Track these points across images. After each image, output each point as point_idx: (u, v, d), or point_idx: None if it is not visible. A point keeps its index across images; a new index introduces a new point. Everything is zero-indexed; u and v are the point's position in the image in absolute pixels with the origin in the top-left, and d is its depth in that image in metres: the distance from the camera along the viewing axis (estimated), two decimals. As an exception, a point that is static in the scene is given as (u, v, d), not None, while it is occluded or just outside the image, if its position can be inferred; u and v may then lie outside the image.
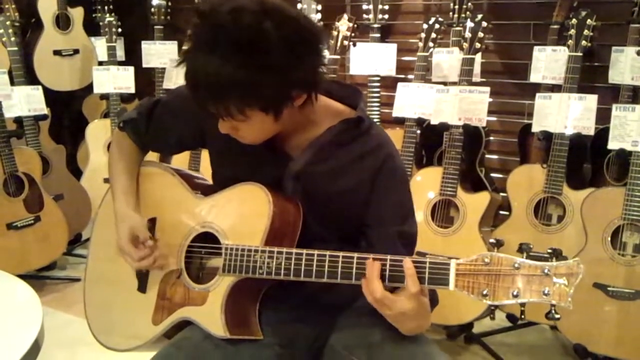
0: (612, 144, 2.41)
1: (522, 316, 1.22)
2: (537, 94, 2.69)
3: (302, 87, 1.29)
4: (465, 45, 2.70)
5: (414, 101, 2.93)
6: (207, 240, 1.45)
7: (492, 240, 1.22)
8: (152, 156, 1.72)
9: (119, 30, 3.90)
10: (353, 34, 3.03)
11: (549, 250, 1.17)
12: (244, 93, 1.22)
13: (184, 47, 1.27)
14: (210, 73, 1.20)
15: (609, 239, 2.37)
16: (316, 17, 3.26)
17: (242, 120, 1.28)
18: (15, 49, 3.46)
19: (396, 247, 1.40)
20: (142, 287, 1.53)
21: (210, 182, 1.60)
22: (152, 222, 1.54)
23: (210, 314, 1.39)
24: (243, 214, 1.42)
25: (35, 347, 1.18)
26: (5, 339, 1.25)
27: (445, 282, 1.21)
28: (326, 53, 1.35)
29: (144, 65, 3.90)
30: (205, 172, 1.71)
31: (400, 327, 1.31)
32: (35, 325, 1.23)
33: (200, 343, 1.39)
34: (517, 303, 1.17)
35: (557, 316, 1.16)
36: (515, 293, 1.15)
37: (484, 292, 1.17)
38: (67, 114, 4.29)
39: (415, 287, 1.22)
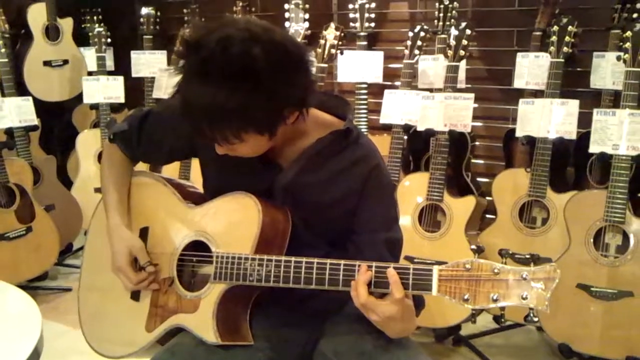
0: (594, 148, 2.46)
1: (503, 319, 1.26)
2: (520, 100, 2.74)
3: (294, 106, 1.32)
4: (450, 52, 2.75)
5: (401, 108, 2.98)
6: (198, 248, 1.49)
7: (473, 247, 1.27)
8: (142, 165, 1.75)
9: (108, 40, 3.92)
10: (340, 42, 3.08)
11: (527, 256, 1.21)
12: (239, 119, 1.26)
13: (175, 71, 1.30)
14: (205, 103, 1.23)
15: (592, 240, 2.42)
16: (304, 25, 3.32)
17: (238, 143, 1.31)
18: (6, 60, 3.47)
19: (383, 253, 1.45)
20: (136, 295, 1.56)
21: (201, 191, 1.64)
22: (144, 231, 1.58)
23: (202, 321, 1.42)
24: (233, 223, 1.45)
25: (35, 355, 1.21)
26: (5, 346, 1.28)
27: (428, 288, 1.25)
28: (314, 70, 1.38)
29: (134, 74, 3.93)
30: (195, 181, 1.74)
31: (387, 330, 1.36)
32: (34, 333, 1.27)
33: (194, 349, 1.42)
34: (497, 307, 1.21)
35: (535, 319, 1.21)
36: (495, 297, 1.20)
37: (465, 297, 1.22)
38: (57, 124, 4.30)
39: (399, 293, 1.27)
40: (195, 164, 3.39)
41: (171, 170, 3.28)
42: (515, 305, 1.20)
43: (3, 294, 1.58)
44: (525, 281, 1.19)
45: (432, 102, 2.79)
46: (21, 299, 1.48)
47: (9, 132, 3.43)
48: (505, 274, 1.20)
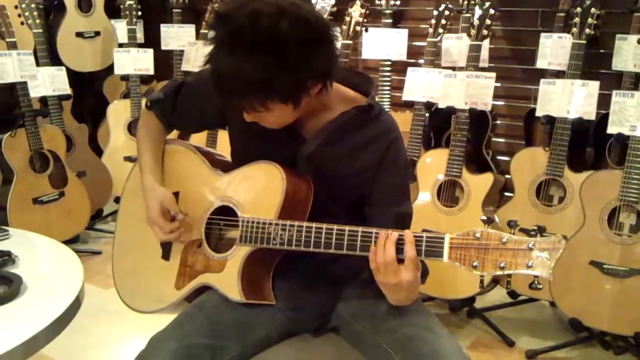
0: (611, 129, 2.50)
1: (509, 286, 1.34)
2: (542, 80, 2.78)
3: (317, 79, 1.39)
4: (473, 31, 2.79)
5: (423, 85, 3.03)
6: (225, 213, 1.58)
7: (483, 217, 1.34)
8: (172, 134, 1.84)
9: (139, 13, 4.01)
10: (365, 20, 3.13)
11: (534, 227, 1.29)
12: (264, 89, 1.33)
13: (206, 42, 1.38)
14: (233, 72, 1.31)
15: (606, 219, 2.47)
16: (330, 2, 3.36)
17: (264, 112, 1.39)
18: (40, 30, 3.59)
19: (391, 227, 1.49)
20: (166, 255, 1.66)
21: (228, 158, 1.73)
22: (175, 196, 1.67)
23: (228, 280, 1.52)
24: (259, 190, 1.54)
25: (76, 303, 1.32)
26: (52, 294, 1.40)
27: (440, 254, 1.33)
28: (338, 45, 1.45)
29: (163, 47, 4.02)
30: (221, 150, 1.83)
31: (391, 296, 1.43)
32: (76, 284, 1.38)
33: (220, 305, 1.52)
34: (504, 274, 1.29)
35: (539, 286, 1.28)
36: (502, 265, 1.28)
37: (474, 264, 1.30)
38: (88, 94, 4.41)
39: (413, 252, 1.34)
40: (221, 135, 3.51)
41: (198, 139, 3.38)
42: (521, 273, 1.27)
43: (51, 248, 1.70)
44: (531, 251, 1.26)
45: (454, 80, 2.84)
46: (66, 254, 1.60)
47: (43, 100, 3.56)
48: (513, 243, 1.27)
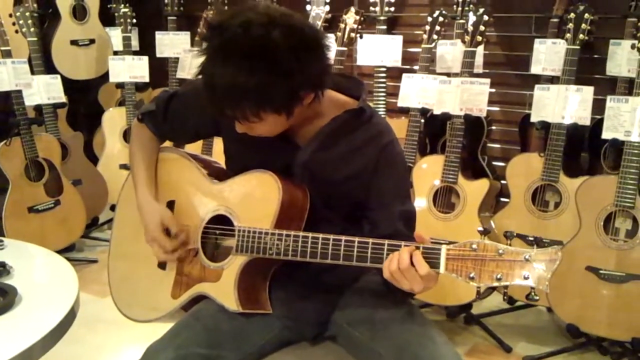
0: (606, 134, 2.51)
1: (505, 297, 1.34)
2: (536, 85, 2.79)
3: (309, 89, 1.40)
4: (467, 38, 2.80)
5: (418, 91, 3.04)
6: (221, 222, 1.58)
7: (479, 229, 1.34)
8: (166, 143, 1.83)
9: (134, 20, 4.01)
10: (360, 26, 3.13)
11: (531, 239, 1.29)
12: (257, 99, 1.34)
13: (199, 52, 1.38)
14: (226, 82, 1.32)
15: (602, 224, 2.47)
16: (324, 9, 3.37)
17: (257, 122, 1.39)
18: (35, 39, 3.59)
19: (398, 227, 1.52)
20: (162, 264, 1.65)
21: (224, 166, 1.72)
22: (170, 204, 1.67)
23: (224, 290, 1.51)
24: (255, 199, 1.53)
25: (71, 314, 1.32)
26: (46, 305, 1.40)
27: (436, 266, 1.33)
28: (331, 55, 1.45)
29: (158, 55, 4.02)
30: (217, 158, 1.83)
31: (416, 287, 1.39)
32: (72, 295, 1.38)
33: (216, 314, 1.51)
34: (501, 285, 1.28)
35: (536, 297, 1.28)
36: (498, 277, 1.27)
37: (471, 275, 1.29)
38: (84, 102, 4.40)
39: (425, 268, 1.33)
40: (216, 142, 3.51)
41: (194, 147, 3.36)
42: (517, 285, 1.27)
43: (46, 258, 1.69)
44: (527, 262, 1.26)
45: (449, 87, 2.84)
46: (61, 264, 1.59)
47: (38, 108, 3.55)
48: (509, 254, 1.27)
